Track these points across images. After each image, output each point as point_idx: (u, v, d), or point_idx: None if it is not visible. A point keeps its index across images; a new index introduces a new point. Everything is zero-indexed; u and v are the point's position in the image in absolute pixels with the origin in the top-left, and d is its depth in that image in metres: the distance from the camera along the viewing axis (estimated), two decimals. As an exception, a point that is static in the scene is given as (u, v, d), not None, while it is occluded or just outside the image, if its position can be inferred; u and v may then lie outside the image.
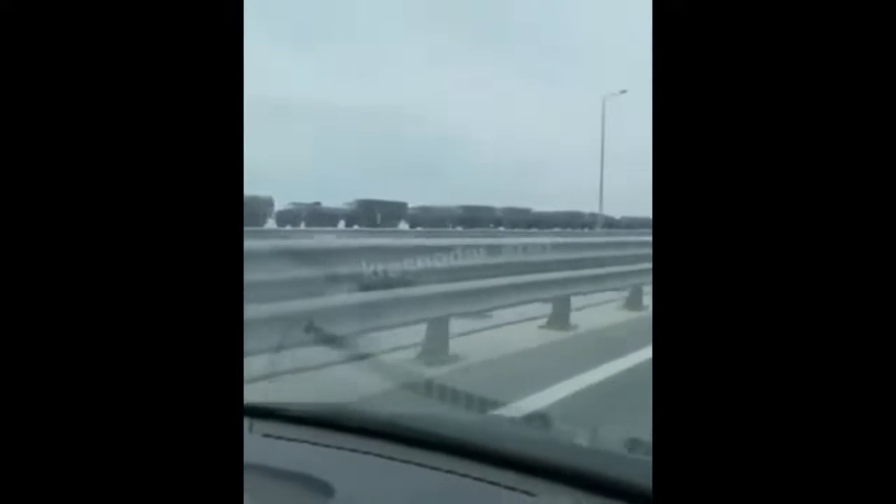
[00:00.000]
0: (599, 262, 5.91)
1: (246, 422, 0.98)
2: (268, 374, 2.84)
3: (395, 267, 3.64)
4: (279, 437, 0.96)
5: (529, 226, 30.89)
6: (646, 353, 3.73)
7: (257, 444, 0.94)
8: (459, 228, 28.22)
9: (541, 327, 5.18)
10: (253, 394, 0.86)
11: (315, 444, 0.93)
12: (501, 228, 29.83)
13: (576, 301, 5.50)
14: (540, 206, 35.65)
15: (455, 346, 4.06)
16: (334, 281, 3.24)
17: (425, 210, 32.12)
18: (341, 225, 28.51)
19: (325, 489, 0.78)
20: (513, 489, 0.79)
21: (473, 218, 31.34)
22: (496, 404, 2.17)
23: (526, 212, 34.85)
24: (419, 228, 28.47)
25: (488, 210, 33.59)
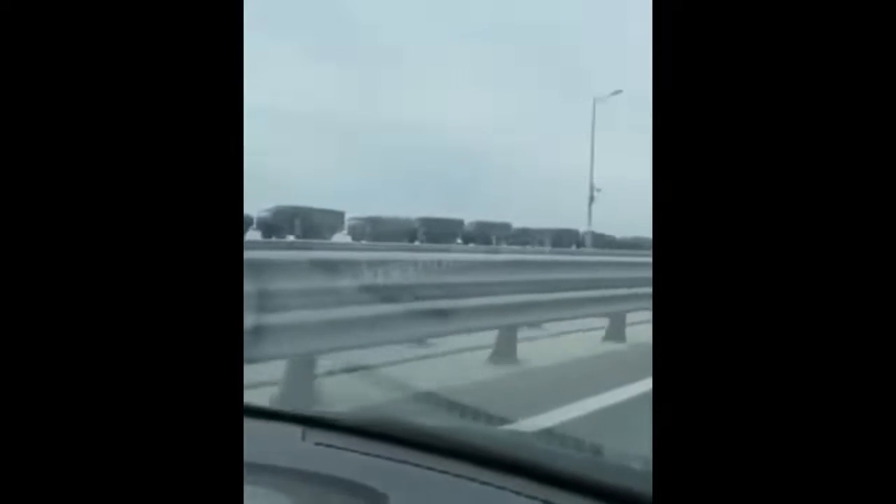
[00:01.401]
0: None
1: (299, 430, 1.19)
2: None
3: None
4: (332, 446, 1.15)
5: (511, 243, 31.05)
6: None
7: (310, 452, 1.14)
8: (417, 243, 28.22)
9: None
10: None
11: (367, 454, 1.11)
12: (471, 245, 29.89)
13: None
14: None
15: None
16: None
17: (371, 221, 32.03)
18: (253, 236, 28.05)
19: (379, 499, 0.95)
20: None
21: (434, 233, 31.40)
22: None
23: (505, 227, 35.15)
24: (364, 242, 28.42)
25: (456, 223, 33.71)
